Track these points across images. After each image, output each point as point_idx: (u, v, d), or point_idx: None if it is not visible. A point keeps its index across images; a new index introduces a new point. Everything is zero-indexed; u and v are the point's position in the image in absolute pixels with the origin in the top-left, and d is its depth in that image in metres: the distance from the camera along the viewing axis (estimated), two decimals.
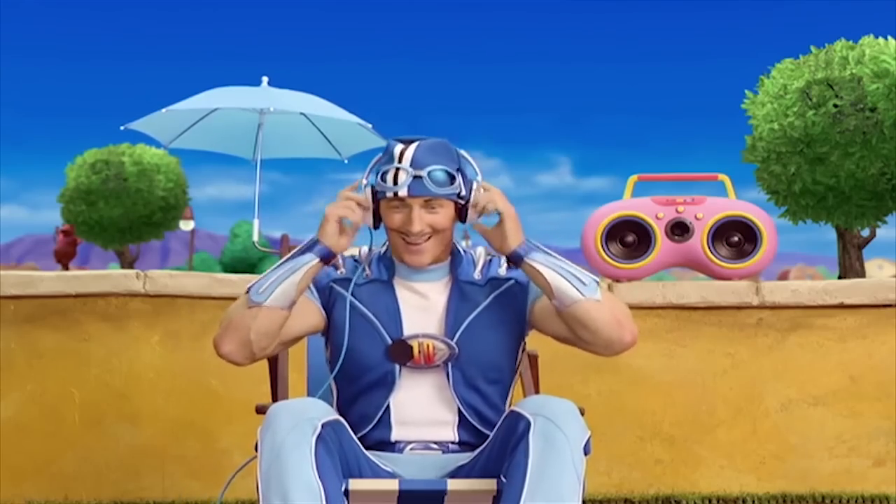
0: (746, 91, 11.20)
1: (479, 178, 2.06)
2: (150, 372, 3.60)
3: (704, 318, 3.64)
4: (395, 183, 2.00)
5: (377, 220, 2.06)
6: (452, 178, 2.02)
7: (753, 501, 3.57)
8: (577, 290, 1.98)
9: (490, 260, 2.14)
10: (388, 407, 2.08)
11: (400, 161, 2.00)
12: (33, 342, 3.58)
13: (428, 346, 2.05)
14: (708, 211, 3.66)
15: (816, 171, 10.48)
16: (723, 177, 3.85)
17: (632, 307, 3.83)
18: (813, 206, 11.12)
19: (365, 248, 2.14)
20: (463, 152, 2.08)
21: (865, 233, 12.67)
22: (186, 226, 21.83)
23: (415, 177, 1.99)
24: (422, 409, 2.08)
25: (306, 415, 1.88)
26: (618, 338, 2.00)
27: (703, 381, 3.63)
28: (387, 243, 2.13)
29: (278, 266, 2.00)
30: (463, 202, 2.05)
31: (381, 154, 2.07)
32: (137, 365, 3.60)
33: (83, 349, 3.59)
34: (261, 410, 2.64)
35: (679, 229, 3.65)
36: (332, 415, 1.94)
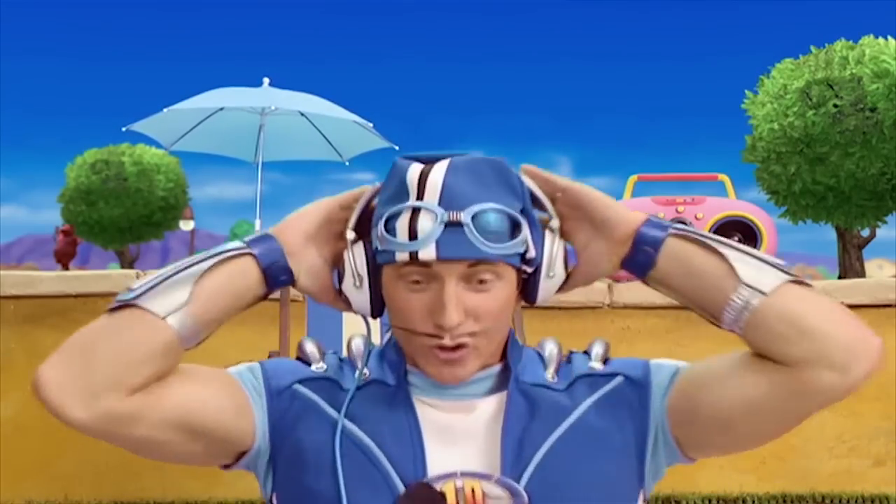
0: (746, 91, 11.20)
1: (554, 219, 1.16)
2: None
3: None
4: (413, 236, 1.09)
5: (376, 301, 1.18)
6: (516, 226, 1.12)
7: (753, 501, 3.57)
8: (775, 267, 1.13)
9: (570, 356, 1.25)
10: None
11: (420, 195, 1.10)
12: (33, 342, 3.59)
13: (473, 493, 1.13)
14: (708, 211, 3.67)
15: (816, 171, 10.48)
16: (723, 177, 3.86)
17: (632, 307, 3.89)
18: (813, 206, 11.12)
19: (357, 341, 1.25)
20: (525, 176, 1.16)
21: (865, 233, 12.66)
22: (186, 226, 21.78)
23: (449, 224, 1.08)
24: None
25: None
26: (861, 339, 1.08)
27: None
28: (390, 336, 1.24)
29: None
30: (530, 269, 1.16)
31: (383, 181, 1.17)
32: None
33: None
34: None
35: None
36: None
